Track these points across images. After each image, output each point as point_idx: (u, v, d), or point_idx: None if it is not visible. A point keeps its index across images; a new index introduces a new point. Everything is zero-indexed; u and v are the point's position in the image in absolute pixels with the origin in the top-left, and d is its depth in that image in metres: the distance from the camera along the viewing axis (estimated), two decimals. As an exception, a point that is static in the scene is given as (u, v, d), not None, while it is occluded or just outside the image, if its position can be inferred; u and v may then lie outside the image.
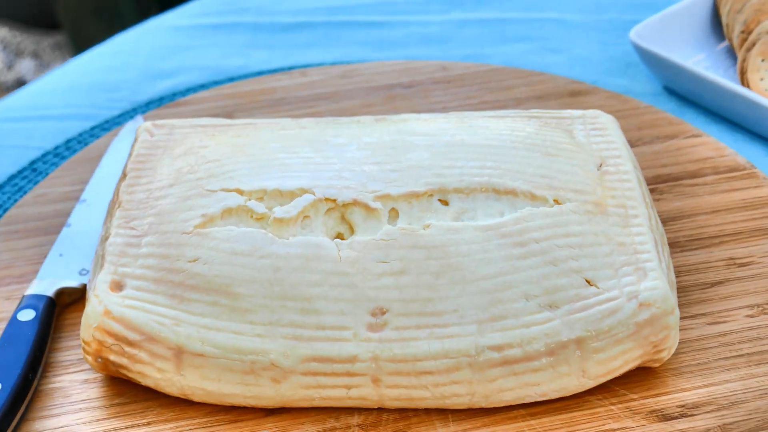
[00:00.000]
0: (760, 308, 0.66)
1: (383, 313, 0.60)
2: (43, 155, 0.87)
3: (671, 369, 0.63)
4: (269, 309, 0.60)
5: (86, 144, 0.88)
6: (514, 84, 0.89)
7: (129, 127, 0.84)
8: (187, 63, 1.00)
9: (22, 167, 0.86)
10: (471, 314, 0.59)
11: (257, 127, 0.72)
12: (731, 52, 0.94)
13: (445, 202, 0.65)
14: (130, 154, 0.71)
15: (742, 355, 0.63)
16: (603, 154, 0.69)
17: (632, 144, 0.81)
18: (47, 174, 0.85)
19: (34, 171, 0.86)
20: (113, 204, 0.68)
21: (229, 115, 0.86)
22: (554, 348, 0.59)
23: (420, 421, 0.60)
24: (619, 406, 0.61)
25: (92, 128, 0.90)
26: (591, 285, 0.61)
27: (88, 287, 0.64)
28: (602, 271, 0.61)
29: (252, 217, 0.64)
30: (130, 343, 0.60)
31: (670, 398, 0.61)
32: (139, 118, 0.86)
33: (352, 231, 0.64)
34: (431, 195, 0.65)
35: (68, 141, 0.89)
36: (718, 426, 0.59)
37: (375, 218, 0.64)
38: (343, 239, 0.64)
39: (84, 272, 0.69)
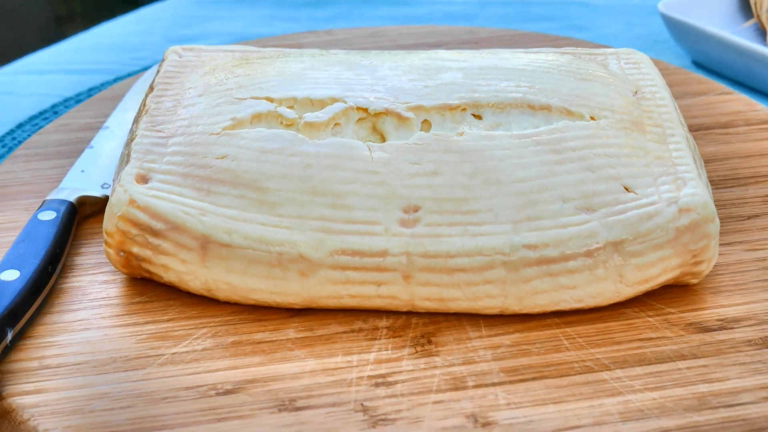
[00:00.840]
0: (799, 238, 0.64)
1: (415, 210, 0.58)
2: (65, 100, 0.86)
3: (709, 288, 0.61)
4: (298, 203, 0.58)
5: (108, 92, 0.87)
6: (541, 47, 0.88)
7: (154, 69, 0.83)
8: (210, 30, 1.00)
9: (43, 110, 0.85)
10: (506, 214, 0.58)
11: (286, 53, 0.71)
12: (757, 31, 0.94)
13: (479, 117, 0.64)
14: (157, 72, 0.70)
15: (781, 278, 0.62)
16: (638, 83, 0.68)
17: (662, 98, 0.79)
18: (68, 116, 0.83)
19: (55, 114, 0.84)
20: (140, 113, 0.66)
21: (255, 65, 0.85)
22: (591, 249, 0.57)
23: (450, 326, 0.58)
24: (657, 318, 0.59)
25: (115, 79, 0.90)
26: (629, 191, 0.59)
27: (112, 184, 0.62)
28: (640, 179, 0.60)
29: (282, 123, 0.63)
30: (155, 233, 0.58)
31: (709, 312, 0.59)
32: (163, 63, 0.85)
33: (383, 141, 0.63)
34: (464, 109, 0.64)
35: (90, 89, 0.88)
36: (760, 338, 0.57)
37: (407, 128, 0.62)
38: (374, 148, 0.63)
39: (106, 186, 0.68)
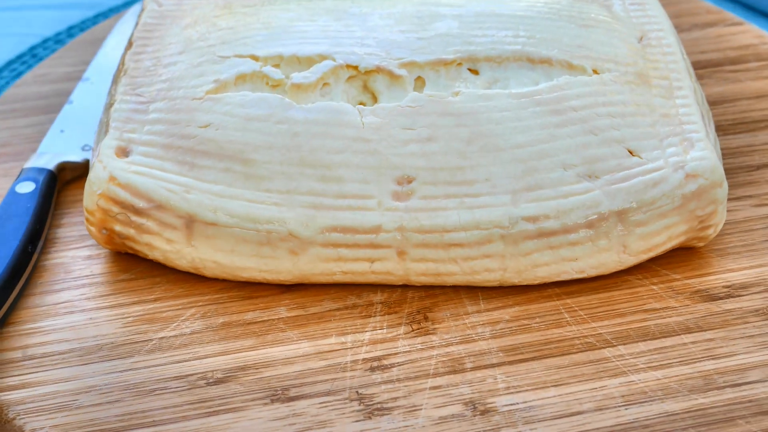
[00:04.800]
0: (811, 191, 0.62)
1: (409, 182, 0.55)
2: (44, 41, 0.83)
3: (716, 250, 0.58)
4: (287, 176, 0.55)
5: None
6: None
7: (134, 9, 0.79)
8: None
9: (21, 53, 0.81)
10: (504, 183, 0.55)
11: (272, 0, 0.67)
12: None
13: (476, 72, 0.60)
14: (136, 24, 0.66)
15: (792, 237, 0.59)
16: (644, 28, 0.64)
17: (669, 30, 0.76)
18: (48, 60, 0.80)
19: (33, 57, 0.81)
20: (118, 72, 0.63)
21: None
22: (594, 220, 0.54)
23: (447, 299, 0.56)
24: (661, 286, 0.56)
25: (95, 16, 0.86)
26: (634, 155, 0.56)
27: (91, 156, 0.60)
28: (646, 141, 0.57)
29: (267, 84, 0.59)
30: (137, 212, 0.55)
31: (715, 278, 0.57)
32: (145, 1, 0.81)
33: (375, 101, 0.60)
34: (460, 63, 0.60)
35: (70, 28, 0.84)
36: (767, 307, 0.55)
37: (400, 86, 0.59)
38: (365, 108, 0.60)
39: (87, 148, 0.65)
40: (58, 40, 0.83)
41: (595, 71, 0.60)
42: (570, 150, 0.56)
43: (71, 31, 0.84)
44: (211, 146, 0.56)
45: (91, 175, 0.56)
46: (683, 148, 0.56)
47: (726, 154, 0.65)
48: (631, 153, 0.56)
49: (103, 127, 0.59)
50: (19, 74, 0.79)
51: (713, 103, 0.69)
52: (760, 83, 0.71)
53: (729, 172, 0.63)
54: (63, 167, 0.63)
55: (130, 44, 0.64)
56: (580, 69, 0.60)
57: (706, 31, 0.76)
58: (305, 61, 0.60)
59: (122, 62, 0.63)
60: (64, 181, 0.63)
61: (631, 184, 0.55)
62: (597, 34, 0.62)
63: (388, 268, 0.55)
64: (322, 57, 0.60)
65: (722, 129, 0.67)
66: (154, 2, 0.67)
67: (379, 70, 0.60)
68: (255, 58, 0.60)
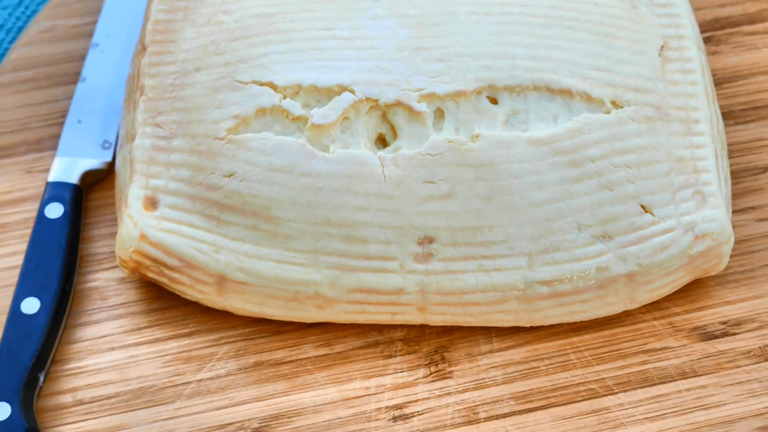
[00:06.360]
0: (813, 202, 0.64)
1: (430, 242, 0.58)
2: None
3: (717, 277, 0.62)
4: (312, 236, 0.58)
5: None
6: None
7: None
8: None
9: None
10: (521, 245, 0.57)
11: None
12: None
13: (495, 101, 0.61)
14: (146, 18, 0.64)
15: (788, 262, 0.62)
16: (666, 32, 0.63)
17: (689, -28, 0.74)
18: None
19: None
20: (134, 85, 0.63)
21: None
22: (604, 282, 0.58)
23: (463, 336, 0.60)
24: (662, 321, 0.61)
25: None
26: (647, 212, 0.58)
27: (117, 198, 0.61)
28: (659, 195, 0.58)
29: (288, 117, 0.60)
30: (169, 267, 0.58)
31: (713, 312, 0.61)
32: None
33: (394, 132, 0.60)
34: (479, 92, 0.60)
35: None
36: (759, 348, 0.60)
37: (419, 122, 0.60)
38: (385, 144, 0.60)
39: (107, 145, 0.66)
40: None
41: (614, 103, 0.60)
42: (586, 209, 0.58)
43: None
44: (236, 200, 0.58)
45: (122, 231, 0.58)
46: (695, 204, 0.58)
47: (734, 151, 0.66)
48: (644, 209, 0.58)
49: (128, 166, 0.60)
50: (20, 2, 0.77)
51: (727, 79, 0.69)
52: (777, 52, 0.70)
53: (734, 174, 0.65)
54: (86, 174, 0.64)
55: (142, 47, 0.63)
56: (599, 102, 0.60)
57: (726, -29, 0.74)
58: (324, 92, 0.60)
59: (137, 73, 0.63)
60: (88, 185, 0.65)
61: (642, 247, 0.57)
62: (619, 49, 0.62)
63: (409, 318, 0.59)
64: (342, 88, 0.60)
65: (733, 116, 0.68)
66: (161, -18, 0.65)
67: (399, 104, 0.60)
68: (273, 87, 0.60)
